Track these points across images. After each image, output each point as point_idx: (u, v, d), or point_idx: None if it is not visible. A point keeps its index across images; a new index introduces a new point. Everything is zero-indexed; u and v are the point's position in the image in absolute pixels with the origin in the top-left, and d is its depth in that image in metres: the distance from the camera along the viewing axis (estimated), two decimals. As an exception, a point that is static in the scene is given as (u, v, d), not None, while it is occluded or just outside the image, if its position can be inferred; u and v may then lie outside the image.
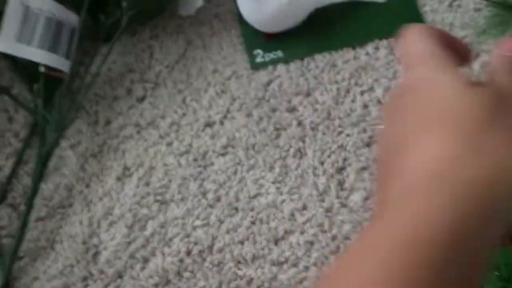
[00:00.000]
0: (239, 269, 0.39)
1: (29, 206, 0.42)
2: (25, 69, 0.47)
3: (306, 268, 0.39)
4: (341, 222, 0.41)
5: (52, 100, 0.48)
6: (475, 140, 0.19)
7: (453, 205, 0.18)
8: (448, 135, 0.20)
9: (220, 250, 0.40)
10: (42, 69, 0.42)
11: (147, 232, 0.42)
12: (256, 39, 0.47)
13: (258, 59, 0.46)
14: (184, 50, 0.51)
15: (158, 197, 0.43)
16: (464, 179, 0.19)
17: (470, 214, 0.18)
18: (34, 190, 0.42)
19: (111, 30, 0.47)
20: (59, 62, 0.42)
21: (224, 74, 0.48)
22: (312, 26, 0.46)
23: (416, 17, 0.47)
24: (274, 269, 0.39)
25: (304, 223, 0.41)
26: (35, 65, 0.42)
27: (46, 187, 0.45)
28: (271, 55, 0.46)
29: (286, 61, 0.47)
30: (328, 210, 0.41)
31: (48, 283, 0.40)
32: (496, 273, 0.37)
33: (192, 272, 0.40)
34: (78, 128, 0.48)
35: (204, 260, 0.40)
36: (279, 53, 0.47)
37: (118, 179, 0.45)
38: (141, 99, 0.49)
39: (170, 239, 0.41)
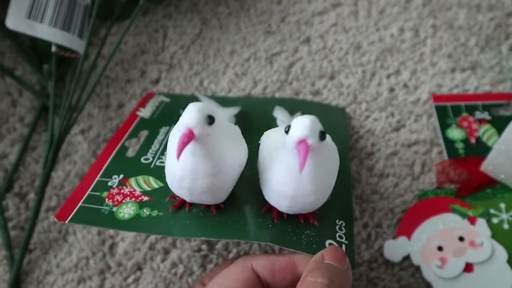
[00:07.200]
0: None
1: (41, 195, 0.39)
2: (33, 49, 0.44)
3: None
4: (372, 209, 0.39)
5: (58, 83, 0.45)
6: None
7: None
8: None
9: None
10: (54, 49, 0.39)
11: (167, 222, 0.39)
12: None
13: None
14: (199, 30, 0.48)
15: (178, 185, 0.41)
16: None
17: None
18: (46, 177, 0.39)
19: (123, 8, 0.44)
20: (72, 42, 0.39)
21: (242, 55, 0.46)
22: None
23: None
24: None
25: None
26: (45, 44, 0.39)
27: (55, 175, 0.42)
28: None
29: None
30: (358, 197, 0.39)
31: (62, 277, 0.38)
32: None
33: (217, 264, 0.38)
34: (88, 112, 0.45)
35: (229, 252, 0.38)
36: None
37: (134, 166, 0.42)
38: (156, 81, 0.46)
39: (192, 229, 0.39)
